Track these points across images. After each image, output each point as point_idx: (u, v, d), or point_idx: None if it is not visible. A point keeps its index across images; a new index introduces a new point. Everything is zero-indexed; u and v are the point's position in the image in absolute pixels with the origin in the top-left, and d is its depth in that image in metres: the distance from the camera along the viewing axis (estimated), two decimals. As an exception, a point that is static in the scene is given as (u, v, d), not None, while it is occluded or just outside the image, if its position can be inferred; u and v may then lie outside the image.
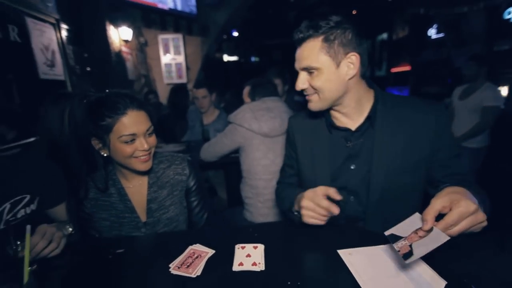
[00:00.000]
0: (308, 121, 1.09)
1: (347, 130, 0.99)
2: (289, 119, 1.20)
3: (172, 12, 5.14)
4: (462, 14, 4.96)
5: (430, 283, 0.64)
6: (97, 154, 1.00)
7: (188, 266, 0.77)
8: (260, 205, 1.68)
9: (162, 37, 5.32)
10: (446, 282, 0.62)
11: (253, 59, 13.42)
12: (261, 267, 0.76)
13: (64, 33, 2.90)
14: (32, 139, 2.26)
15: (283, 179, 1.24)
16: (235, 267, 0.76)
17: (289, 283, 0.68)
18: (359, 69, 0.91)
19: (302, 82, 0.93)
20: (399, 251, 0.62)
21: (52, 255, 0.85)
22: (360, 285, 0.66)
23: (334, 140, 1.02)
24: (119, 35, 4.09)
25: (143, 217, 1.08)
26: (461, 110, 2.84)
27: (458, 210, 0.58)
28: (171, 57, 5.48)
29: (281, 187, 1.21)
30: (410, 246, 0.61)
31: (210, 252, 0.84)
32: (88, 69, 3.24)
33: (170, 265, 0.78)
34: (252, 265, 0.76)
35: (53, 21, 2.71)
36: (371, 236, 0.85)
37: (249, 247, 0.85)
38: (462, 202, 0.59)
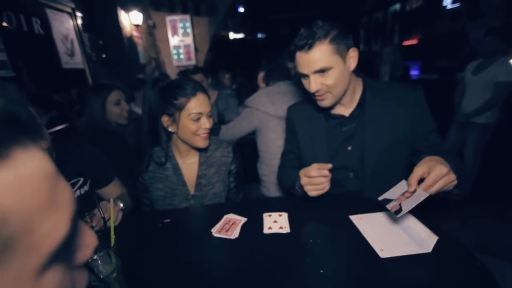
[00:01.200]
0: (306, 110, 1.24)
1: (341, 117, 1.15)
2: (288, 109, 1.33)
3: (180, -8, 5.10)
4: (480, -17, 4.73)
5: (426, 239, 0.80)
6: (161, 131, 1.19)
7: (227, 230, 0.95)
8: (276, 181, 1.85)
9: (169, 18, 5.31)
10: (438, 237, 0.77)
11: (259, 35, 13.13)
12: (287, 229, 0.93)
13: (79, 21, 3.00)
14: (63, 125, 2.46)
15: (284, 163, 1.39)
16: (266, 230, 0.94)
17: (310, 241, 0.86)
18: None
19: (316, 84, 1.02)
20: (391, 209, 0.80)
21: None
22: (370, 243, 0.82)
23: (330, 126, 1.18)
24: (130, 19, 4.14)
25: (192, 190, 1.25)
26: (473, 86, 2.85)
27: (434, 173, 0.76)
28: (179, 39, 5.50)
29: (283, 170, 1.36)
30: (399, 205, 0.79)
31: (243, 219, 1.01)
32: (104, 55, 3.35)
33: (212, 230, 0.96)
34: (279, 228, 0.94)
35: (69, 10, 2.81)
36: (375, 203, 1.00)
37: (275, 215, 1.02)
38: (437, 167, 0.76)
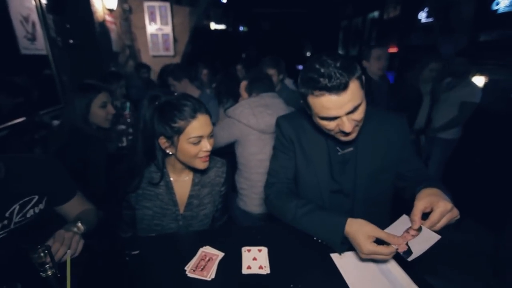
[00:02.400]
0: (303, 127, 1.13)
1: (339, 140, 1.08)
2: (279, 121, 1.18)
3: (159, -23, 4.75)
4: (453, 2, 4.97)
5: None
6: (158, 151, 1.10)
7: (202, 269, 0.88)
8: (254, 196, 1.80)
9: (148, 4, 4.96)
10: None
11: (241, 28, 12.83)
12: (266, 270, 0.87)
13: (43, 1, 2.66)
14: (19, 120, 2.19)
15: (280, 188, 1.16)
16: (244, 270, 0.87)
17: (291, 285, 0.81)
18: None
19: (351, 123, 0.92)
20: (398, 249, 0.77)
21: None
22: (349, 285, 0.80)
23: (330, 147, 1.12)
24: (103, 2, 3.78)
25: (181, 209, 1.18)
26: (442, 102, 3.01)
27: (439, 210, 0.74)
28: (158, 27, 5.17)
29: (288, 200, 1.09)
30: (407, 244, 0.76)
31: (220, 254, 0.94)
32: (71, 41, 3.03)
33: (186, 268, 0.88)
34: (259, 268, 0.88)
35: (31, -13, 2.47)
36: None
37: (254, 250, 0.96)
38: (440, 203, 0.74)
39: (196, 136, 1.02)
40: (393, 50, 8.07)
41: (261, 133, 1.75)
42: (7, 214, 0.97)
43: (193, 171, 1.19)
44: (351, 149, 1.10)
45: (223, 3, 9.82)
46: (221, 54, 9.47)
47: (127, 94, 2.88)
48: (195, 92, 2.73)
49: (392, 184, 1.14)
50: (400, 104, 2.62)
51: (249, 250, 0.96)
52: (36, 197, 1.05)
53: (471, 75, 3.08)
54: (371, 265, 0.89)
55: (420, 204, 0.76)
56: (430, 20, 6.34)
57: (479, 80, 3.72)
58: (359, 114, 0.95)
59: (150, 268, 0.90)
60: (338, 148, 1.11)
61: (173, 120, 1.01)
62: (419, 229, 0.76)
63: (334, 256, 0.93)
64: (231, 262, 0.91)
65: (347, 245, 0.92)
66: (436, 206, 0.74)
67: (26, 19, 2.41)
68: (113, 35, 4.15)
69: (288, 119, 1.19)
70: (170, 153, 1.09)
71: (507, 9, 4.46)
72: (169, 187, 1.16)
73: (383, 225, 0.88)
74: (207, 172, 1.22)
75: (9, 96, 2.21)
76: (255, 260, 0.92)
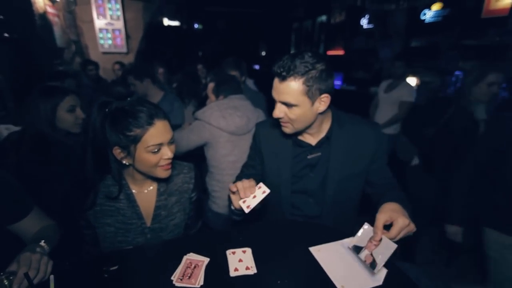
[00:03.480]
0: (275, 131, 1.21)
1: (308, 145, 1.18)
2: (257, 125, 1.31)
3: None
4: (390, 11, 5.54)
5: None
6: (113, 162, 0.99)
7: (190, 277, 0.85)
8: (227, 197, 1.79)
9: (95, -4, 4.50)
10: (387, 270, 0.86)
11: (196, 26, 12.42)
12: (253, 270, 0.89)
13: (-34, -13, 2.24)
14: None
15: (241, 176, 1.31)
16: (232, 273, 0.88)
17: (278, 282, 0.84)
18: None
19: (280, 112, 1.04)
20: (365, 261, 0.85)
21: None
22: (332, 280, 0.86)
23: (296, 151, 1.20)
24: (42, -8, 3.32)
25: (148, 222, 1.08)
26: (384, 102, 3.36)
27: (398, 225, 0.82)
28: (107, 21, 4.73)
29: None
30: (371, 254, 0.84)
31: (206, 260, 0.93)
32: (6, 35, 2.61)
33: (172, 278, 0.85)
34: (246, 269, 0.89)
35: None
36: (332, 231, 1.06)
37: (238, 251, 0.97)
38: (400, 219, 0.82)
39: (155, 144, 0.93)
40: (340, 52, 8.69)
41: (231, 135, 1.75)
42: None
43: (156, 181, 1.09)
44: (319, 154, 1.17)
45: (176, -1, 9.39)
46: (177, 52, 9.07)
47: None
48: (158, 93, 2.56)
49: (361, 190, 1.23)
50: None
51: (233, 253, 0.96)
52: None
53: (406, 76, 3.49)
54: (346, 254, 0.97)
55: (382, 217, 0.83)
56: (370, 26, 6.97)
57: (412, 81, 4.24)
58: (291, 113, 1.03)
59: (133, 283, 0.85)
60: (305, 152, 1.18)
61: (128, 128, 0.91)
62: (380, 239, 0.83)
63: (313, 250, 0.99)
64: (217, 267, 0.90)
65: None
66: (396, 222, 0.82)
67: None
68: (56, 29, 3.68)
69: (262, 125, 1.29)
70: (127, 163, 0.99)
71: (432, 19, 5.14)
72: (131, 200, 1.05)
73: (349, 226, 0.99)
74: (173, 180, 1.13)
75: None
76: (241, 261, 0.93)
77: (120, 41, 4.91)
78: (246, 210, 0.98)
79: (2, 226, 0.98)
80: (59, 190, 1.31)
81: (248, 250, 0.97)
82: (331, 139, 1.15)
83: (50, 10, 3.47)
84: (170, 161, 1.00)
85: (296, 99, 0.98)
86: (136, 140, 0.92)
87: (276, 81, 1.01)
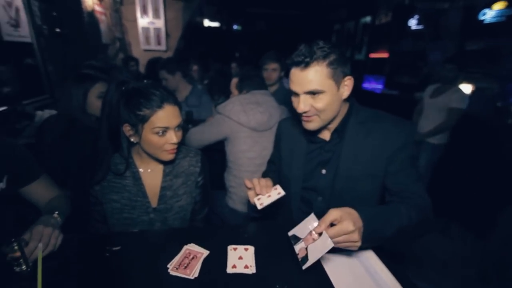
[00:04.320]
0: (294, 127, 1.22)
1: (322, 141, 1.13)
2: (280, 122, 1.33)
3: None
4: (442, 10, 5.10)
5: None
6: (123, 139, 1.05)
7: (185, 267, 0.84)
8: (243, 194, 1.77)
9: (139, -4, 4.85)
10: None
11: (235, 27, 12.75)
12: (252, 269, 0.85)
13: (28, -14, 2.54)
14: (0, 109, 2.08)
15: (266, 172, 1.41)
16: (229, 269, 0.85)
17: (277, 286, 0.79)
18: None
19: (305, 104, 0.98)
20: (298, 254, 0.80)
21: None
22: (333, 282, 0.79)
23: (310, 148, 1.17)
24: (92, -8, 3.66)
25: (153, 203, 1.12)
26: (430, 108, 3.07)
27: (339, 226, 0.75)
28: (149, 21, 5.06)
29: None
30: (306, 249, 0.78)
31: (205, 252, 0.91)
32: (58, 30, 2.91)
33: (168, 266, 0.84)
34: (244, 267, 0.85)
35: (15, -29, 2.36)
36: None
37: (240, 249, 0.93)
38: (344, 222, 0.75)
39: (160, 127, 0.98)
40: (384, 55, 8.22)
41: (251, 131, 1.72)
42: None
43: (163, 162, 1.13)
44: (332, 150, 1.11)
45: (217, 0, 9.74)
46: (214, 52, 9.38)
47: None
48: (187, 87, 2.68)
49: (379, 196, 1.12)
50: None
51: (235, 249, 0.93)
52: None
53: (459, 81, 3.15)
54: (357, 264, 0.88)
55: (334, 213, 0.77)
56: (420, 27, 6.49)
57: (466, 87, 3.82)
58: (319, 102, 0.97)
59: (132, 265, 0.86)
60: (319, 149, 1.14)
61: (139, 107, 0.96)
62: (321, 234, 0.78)
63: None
64: (216, 261, 0.88)
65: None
66: (340, 223, 0.76)
67: (9, 3, 2.29)
68: (103, 26, 4.03)
69: (284, 122, 1.31)
70: (135, 141, 1.04)
71: (493, 20, 4.60)
72: (136, 178, 1.10)
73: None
74: (180, 162, 1.17)
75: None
76: (241, 259, 0.89)
77: (161, 39, 5.22)
78: (259, 207, 0.98)
79: (12, 187, 1.08)
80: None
81: (251, 249, 0.94)
82: (345, 134, 1.08)
83: (97, 8, 3.82)
84: (175, 146, 1.03)
85: (323, 84, 0.94)
86: (144, 119, 0.97)
87: (296, 72, 0.97)
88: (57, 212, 0.99)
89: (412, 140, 1.04)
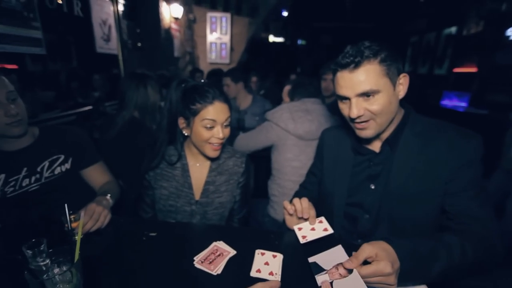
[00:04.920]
0: (339, 137, 1.15)
1: (371, 152, 1.03)
2: (323, 131, 1.27)
3: (223, -10, 5.14)
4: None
5: None
6: (179, 133, 1.19)
7: (210, 263, 0.86)
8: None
9: (210, 14, 5.38)
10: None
11: (300, 41, 12.98)
12: (277, 277, 0.81)
13: (120, 8, 3.09)
14: (86, 108, 2.53)
15: (304, 183, 1.34)
16: (253, 273, 0.82)
17: (300, 301, 0.73)
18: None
19: (358, 108, 0.90)
20: (320, 287, 0.70)
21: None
22: None
23: (357, 160, 1.08)
24: (170, 12, 4.23)
25: (197, 196, 1.22)
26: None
27: (375, 267, 0.67)
28: (217, 36, 5.56)
29: (299, 192, 1.32)
30: (331, 284, 0.69)
31: (232, 252, 0.91)
32: (139, 44, 3.44)
33: (195, 258, 0.87)
34: (269, 274, 0.82)
35: (112, -4, 2.91)
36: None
37: (268, 254, 0.90)
38: (381, 263, 0.67)
39: (209, 119, 1.07)
40: (471, 69, 7.21)
41: (298, 139, 1.69)
42: (38, 169, 1.19)
43: (210, 159, 1.22)
44: (382, 163, 1.01)
45: (283, 16, 10.13)
46: (276, 66, 9.68)
47: None
48: (247, 96, 2.86)
49: (435, 221, 0.96)
50: None
51: (263, 254, 0.90)
52: (62, 156, 1.25)
53: None
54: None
55: (369, 249, 0.70)
56: (522, 36, 5.51)
57: None
58: (374, 104, 0.88)
59: (162, 251, 0.92)
60: (368, 161, 1.05)
61: (193, 102, 1.08)
62: (350, 271, 0.69)
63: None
64: (241, 262, 0.87)
65: None
66: (377, 263, 0.68)
67: (104, 22, 2.82)
68: (176, 42, 4.58)
69: (328, 131, 1.25)
70: (186, 134, 1.15)
71: None
72: (185, 169, 1.21)
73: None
74: (225, 161, 1.25)
75: (82, 87, 2.58)
76: (267, 265, 0.86)
77: (225, 53, 5.67)
78: (301, 241, 0.91)
79: (75, 169, 1.29)
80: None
81: (279, 256, 0.90)
82: (398, 146, 0.96)
83: (173, 26, 4.37)
84: (220, 141, 1.11)
85: (378, 83, 0.87)
86: (196, 113, 1.08)
87: (344, 75, 0.90)
88: (109, 195, 1.15)
89: (479, 157, 0.88)
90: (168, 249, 0.93)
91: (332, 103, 2.42)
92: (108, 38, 2.88)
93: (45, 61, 2.39)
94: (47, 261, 0.74)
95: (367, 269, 0.68)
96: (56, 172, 1.23)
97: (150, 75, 1.88)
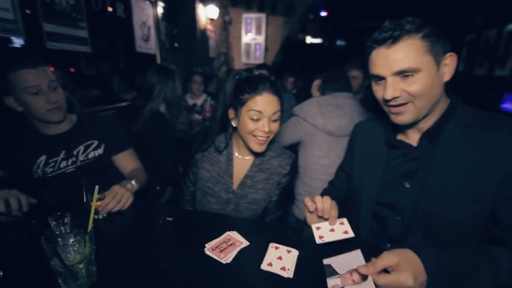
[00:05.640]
0: (372, 129, 1.07)
1: (408, 146, 0.93)
2: (356, 124, 1.19)
3: (259, -10, 5.20)
4: None
5: None
6: (229, 124, 1.22)
7: (221, 251, 0.84)
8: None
9: (245, 16, 5.48)
10: None
11: (339, 42, 12.61)
12: (289, 274, 0.76)
13: (159, 11, 3.28)
14: (123, 103, 2.71)
15: (333, 181, 1.27)
16: (264, 266, 0.79)
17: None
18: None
19: (395, 89, 0.80)
20: None
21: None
22: None
23: (392, 155, 0.98)
24: (206, 13, 4.39)
25: (235, 186, 1.24)
26: None
27: (394, 277, 0.61)
28: (252, 37, 5.63)
29: (327, 189, 1.26)
30: None
31: (245, 243, 0.88)
32: (176, 45, 3.61)
33: (206, 245, 0.86)
34: (281, 269, 0.78)
35: (152, -1, 3.10)
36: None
37: (283, 249, 0.86)
38: (403, 274, 0.61)
39: (255, 110, 1.06)
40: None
41: (327, 135, 1.62)
42: (74, 153, 1.31)
43: (255, 154, 1.22)
44: (421, 158, 0.89)
45: (321, 16, 9.94)
46: (313, 66, 9.52)
47: (208, 91, 3.20)
48: None
49: (482, 230, 0.83)
50: None
51: (277, 248, 0.86)
52: (96, 142, 1.36)
53: None
54: None
55: (389, 258, 0.64)
56: None
57: None
58: (413, 85, 0.78)
59: (175, 236, 0.94)
60: (403, 155, 0.94)
61: (242, 92, 1.09)
62: (365, 278, 0.65)
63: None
64: (253, 254, 0.84)
65: None
66: (397, 273, 0.62)
67: (144, 23, 3.01)
68: (211, 42, 4.74)
69: (361, 124, 1.17)
70: (234, 125, 1.16)
71: None
72: (229, 158, 1.24)
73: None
74: (270, 159, 1.24)
75: (122, 83, 2.78)
76: (280, 259, 0.82)
77: (259, 54, 5.71)
78: (318, 241, 0.86)
79: (107, 154, 1.39)
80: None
81: (294, 252, 0.85)
82: (441, 139, 0.85)
83: (209, 27, 4.53)
84: (265, 135, 1.09)
85: (418, 61, 0.77)
86: (243, 102, 1.09)
87: (380, 52, 0.81)
88: (134, 180, 1.20)
89: None
90: (182, 234, 0.95)
91: (363, 98, 2.29)
92: (147, 38, 3.08)
93: (94, 61, 2.64)
94: (68, 231, 0.80)
95: (384, 279, 0.61)
96: (90, 156, 1.33)
97: (176, 69, 1.95)
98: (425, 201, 0.86)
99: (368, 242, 0.98)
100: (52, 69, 2.22)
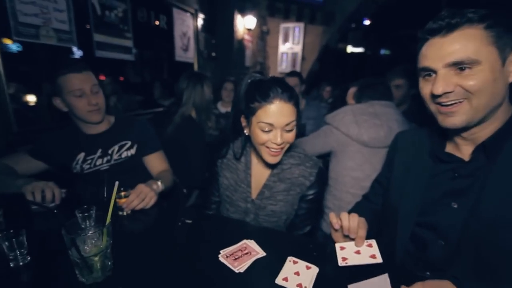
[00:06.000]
0: (415, 139, 0.96)
1: (458, 161, 0.81)
2: (397, 134, 1.08)
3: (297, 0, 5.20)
4: None
5: None
6: (242, 129, 1.11)
7: (235, 259, 0.81)
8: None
9: (283, 26, 5.51)
10: None
11: (382, 51, 12.07)
12: (306, 291, 0.70)
13: (199, 22, 3.45)
14: (160, 109, 2.86)
15: (368, 194, 1.18)
16: (279, 280, 0.74)
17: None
18: None
19: (448, 83, 0.71)
20: None
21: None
22: None
23: (437, 170, 0.86)
24: (244, 23, 4.51)
25: (254, 195, 1.15)
26: None
27: None
28: (289, 46, 5.63)
29: (360, 203, 1.17)
30: None
31: (261, 253, 0.84)
32: (213, 54, 3.75)
33: (221, 252, 0.84)
34: (297, 286, 0.72)
35: (192, 11, 3.28)
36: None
37: (301, 264, 0.80)
38: None
39: (265, 123, 0.95)
40: None
41: (362, 146, 1.51)
42: (109, 151, 1.39)
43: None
44: (474, 175, 0.77)
45: (363, 25, 9.63)
46: (354, 76, 9.21)
47: None
48: (300, 101, 2.80)
49: None
50: None
51: (295, 262, 0.81)
52: (129, 142, 1.44)
53: None
54: None
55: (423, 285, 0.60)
56: None
57: None
58: (470, 79, 0.68)
59: (192, 239, 0.93)
60: (452, 171, 0.82)
61: (252, 100, 0.97)
62: None
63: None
64: (269, 266, 0.79)
65: None
66: None
67: (184, 34, 3.18)
68: (248, 52, 4.84)
69: (403, 134, 1.07)
70: (246, 133, 1.07)
71: None
72: (247, 166, 1.16)
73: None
74: (291, 167, 1.11)
75: (163, 90, 2.95)
76: (297, 275, 0.76)
77: (296, 63, 5.68)
78: (340, 262, 0.79)
79: (139, 155, 1.46)
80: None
81: (314, 269, 0.78)
82: (501, 154, 0.72)
83: (246, 37, 4.64)
84: (278, 147, 0.98)
85: (479, 52, 0.67)
86: (253, 112, 0.98)
87: (433, 42, 0.73)
88: (160, 181, 1.24)
89: None
90: (198, 238, 0.94)
91: (407, 110, 2.13)
92: (186, 48, 3.25)
93: (140, 69, 2.87)
94: (92, 224, 0.84)
95: None
96: (123, 155, 1.42)
97: (206, 75, 2.01)
98: (476, 224, 0.73)
99: (401, 267, 0.87)
100: (102, 77, 2.47)
